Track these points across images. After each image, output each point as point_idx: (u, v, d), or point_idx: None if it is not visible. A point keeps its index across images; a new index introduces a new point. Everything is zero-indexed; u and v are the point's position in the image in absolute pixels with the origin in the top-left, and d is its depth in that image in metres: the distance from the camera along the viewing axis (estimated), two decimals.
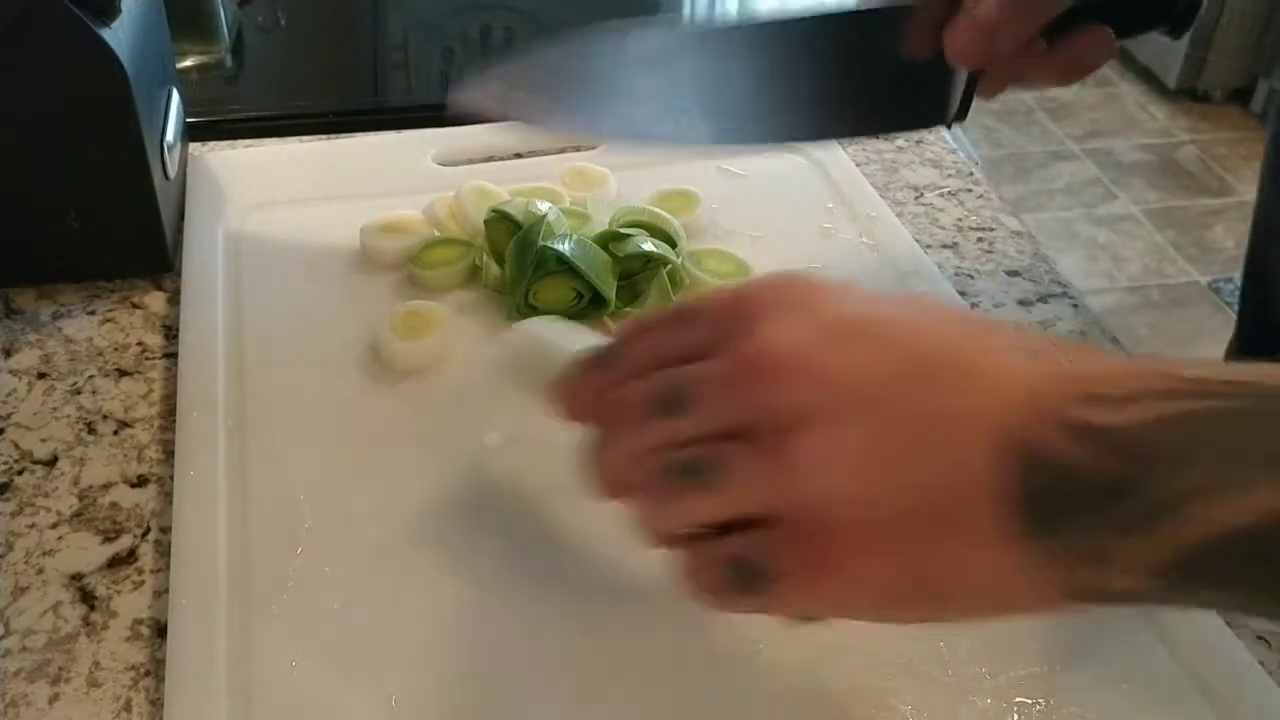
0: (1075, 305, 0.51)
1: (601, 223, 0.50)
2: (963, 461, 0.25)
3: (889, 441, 0.26)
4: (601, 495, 0.31)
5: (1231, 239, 1.99)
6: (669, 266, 0.47)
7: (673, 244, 0.48)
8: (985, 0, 0.36)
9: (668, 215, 0.50)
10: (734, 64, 0.38)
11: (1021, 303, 0.51)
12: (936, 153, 0.62)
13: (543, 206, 0.47)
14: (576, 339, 0.35)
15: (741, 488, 0.27)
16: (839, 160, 0.58)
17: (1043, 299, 0.52)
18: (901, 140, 0.63)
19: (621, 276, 0.47)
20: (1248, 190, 2.10)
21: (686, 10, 0.84)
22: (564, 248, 0.45)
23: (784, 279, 0.29)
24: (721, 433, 0.27)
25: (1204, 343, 1.79)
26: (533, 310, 0.46)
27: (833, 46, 0.37)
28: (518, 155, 0.59)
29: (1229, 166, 2.19)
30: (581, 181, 0.54)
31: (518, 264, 0.46)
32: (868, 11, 0.37)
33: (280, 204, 0.54)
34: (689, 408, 0.28)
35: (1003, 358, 0.26)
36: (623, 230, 0.48)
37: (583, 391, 0.31)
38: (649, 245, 0.47)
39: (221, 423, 0.42)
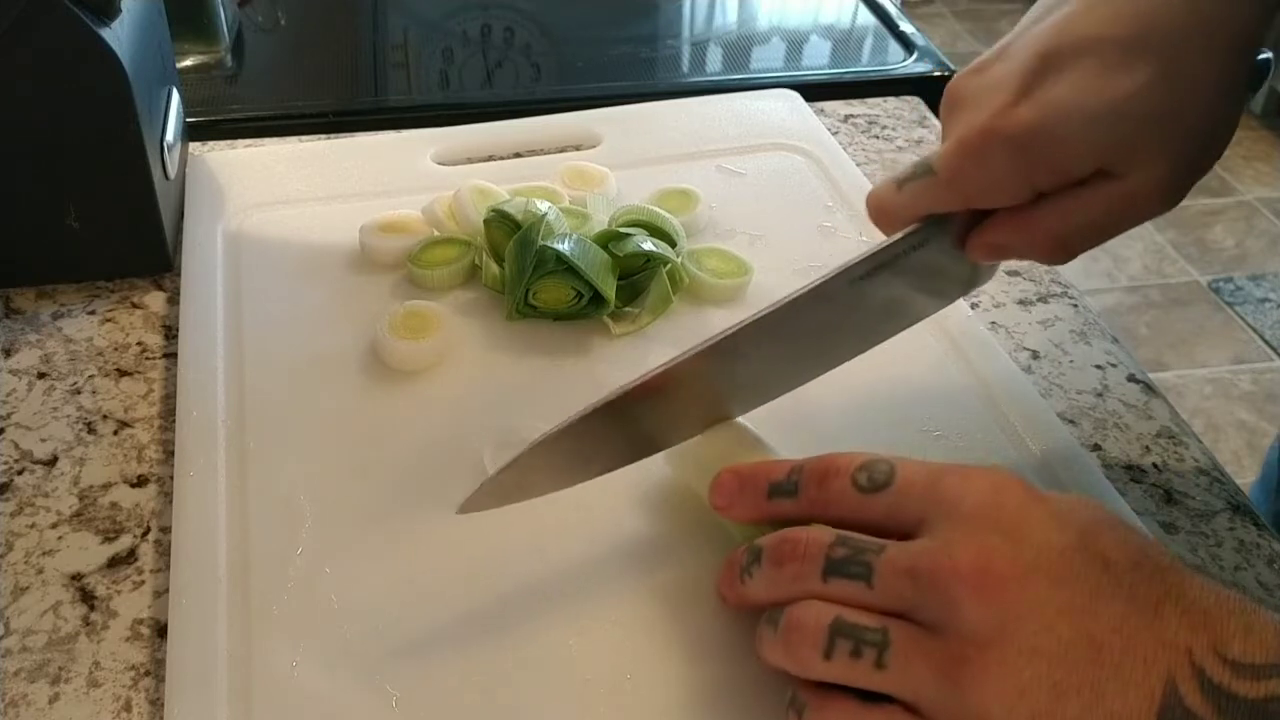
0: (1075, 305, 0.51)
1: (601, 222, 0.49)
2: None
3: (1066, 700, 0.26)
4: (733, 596, 0.33)
5: (1231, 239, 1.99)
6: (669, 266, 0.47)
7: (672, 243, 0.48)
8: (1000, 226, 0.35)
9: (667, 214, 0.50)
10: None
11: (1021, 303, 0.51)
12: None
13: (542, 206, 0.47)
14: (763, 450, 0.37)
15: (910, 678, 0.28)
16: (838, 159, 0.58)
17: (1043, 299, 0.51)
18: (901, 140, 0.63)
19: (621, 276, 0.47)
20: (1248, 190, 2.10)
21: (686, 10, 0.84)
22: (563, 247, 0.45)
23: (996, 481, 0.30)
24: (898, 612, 0.29)
25: (1204, 343, 1.79)
26: (532, 310, 0.46)
27: (859, 297, 0.36)
28: (517, 155, 0.59)
29: (1229, 166, 2.19)
30: (581, 181, 0.54)
31: (517, 263, 0.46)
32: (883, 259, 0.36)
33: (280, 204, 0.54)
34: (874, 575, 0.29)
35: (1174, 621, 0.27)
36: (622, 229, 0.48)
37: (757, 506, 0.34)
38: (649, 244, 0.47)
39: (221, 422, 0.42)
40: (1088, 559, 0.28)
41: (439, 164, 0.57)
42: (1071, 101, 0.32)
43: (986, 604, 0.27)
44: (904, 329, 0.39)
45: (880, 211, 0.37)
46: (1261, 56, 0.36)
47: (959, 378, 0.45)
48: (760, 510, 0.34)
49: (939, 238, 0.36)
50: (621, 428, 0.35)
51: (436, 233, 0.51)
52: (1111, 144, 0.33)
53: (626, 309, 0.47)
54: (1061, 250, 0.35)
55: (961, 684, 0.27)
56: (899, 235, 0.36)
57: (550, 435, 0.34)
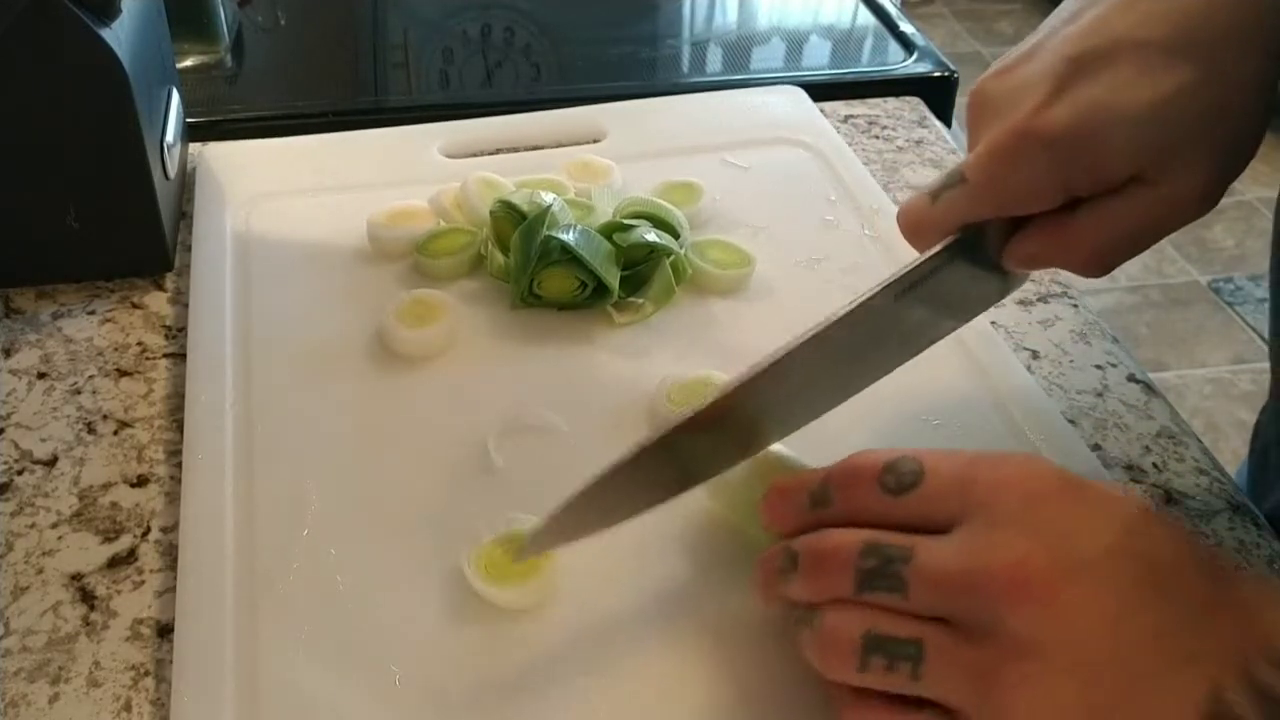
0: (1075, 305, 0.51)
1: (605, 213, 0.49)
2: None
3: (1099, 713, 0.26)
4: (770, 598, 0.32)
5: (1231, 239, 1.99)
6: (672, 257, 0.47)
7: (676, 235, 0.48)
8: (1037, 235, 0.34)
9: (671, 206, 0.50)
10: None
11: (1021, 303, 0.51)
12: (937, 153, 0.62)
13: (547, 197, 0.47)
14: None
15: (946, 687, 0.27)
16: (841, 153, 0.58)
17: (1043, 299, 0.51)
18: (901, 140, 0.63)
19: (625, 266, 0.46)
20: (1248, 190, 2.10)
21: (686, 10, 0.84)
22: (568, 238, 0.45)
23: (1031, 475, 0.29)
24: (932, 616, 0.28)
25: (1204, 342, 1.79)
26: (537, 299, 0.46)
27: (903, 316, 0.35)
28: (515, 150, 0.59)
29: None
30: (586, 173, 0.54)
31: (522, 253, 0.46)
32: (917, 278, 0.34)
33: (287, 195, 0.54)
34: (908, 587, 0.28)
35: (1221, 622, 0.26)
36: (626, 221, 0.48)
37: (800, 518, 0.32)
38: (652, 236, 0.47)
39: (229, 408, 0.42)
40: (1132, 559, 0.27)
41: (445, 156, 0.58)
42: (1110, 102, 0.31)
43: (1025, 614, 0.26)
44: (930, 345, 0.37)
45: (915, 226, 0.35)
46: None
47: (961, 370, 0.44)
48: (804, 521, 0.33)
49: (974, 250, 0.35)
50: (669, 463, 0.33)
51: (443, 223, 0.51)
52: (1151, 147, 0.32)
53: (630, 299, 0.47)
54: (1098, 262, 0.34)
55: (995, 696, 0.26)
56: (936, 249, 0.34)
57: (607, 472, 0.32)
